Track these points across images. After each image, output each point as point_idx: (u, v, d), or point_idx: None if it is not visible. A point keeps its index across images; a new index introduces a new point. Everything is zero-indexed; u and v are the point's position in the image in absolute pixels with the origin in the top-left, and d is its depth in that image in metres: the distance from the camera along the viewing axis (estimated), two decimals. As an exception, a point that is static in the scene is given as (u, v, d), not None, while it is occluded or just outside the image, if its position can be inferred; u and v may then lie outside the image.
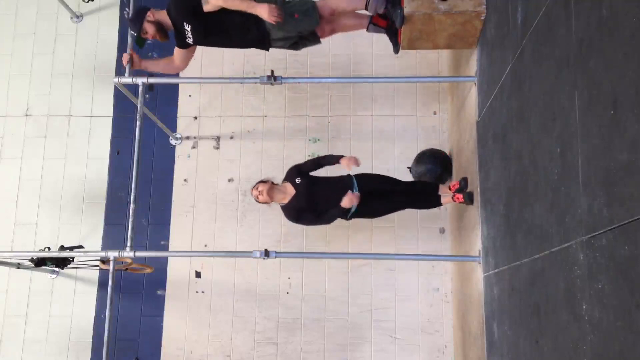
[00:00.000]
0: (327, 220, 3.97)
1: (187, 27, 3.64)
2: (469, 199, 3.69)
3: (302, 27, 3.64)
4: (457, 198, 3.83)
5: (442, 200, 4.02)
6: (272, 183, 3.93)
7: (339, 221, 4.76)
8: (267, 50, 3.86)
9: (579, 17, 1.89)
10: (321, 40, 3.84)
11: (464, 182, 3.84)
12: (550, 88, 2.15)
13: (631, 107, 1.52)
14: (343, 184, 3.91)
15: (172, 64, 3.95)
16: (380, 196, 3.97)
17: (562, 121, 2.02)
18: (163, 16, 3.69)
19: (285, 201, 3.92)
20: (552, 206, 2.11)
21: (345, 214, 3.92)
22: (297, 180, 3.90)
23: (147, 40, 3.84)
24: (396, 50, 3.87)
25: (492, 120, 3.10)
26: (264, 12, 3.50)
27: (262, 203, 3.97)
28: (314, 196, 3.88)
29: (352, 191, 3.82)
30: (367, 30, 3.82)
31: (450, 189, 3.98)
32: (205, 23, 3.62)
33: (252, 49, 3.93)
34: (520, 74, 2.56)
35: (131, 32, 3.90)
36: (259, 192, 3.88)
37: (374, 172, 4.27)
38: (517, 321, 2.56)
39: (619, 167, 1.58)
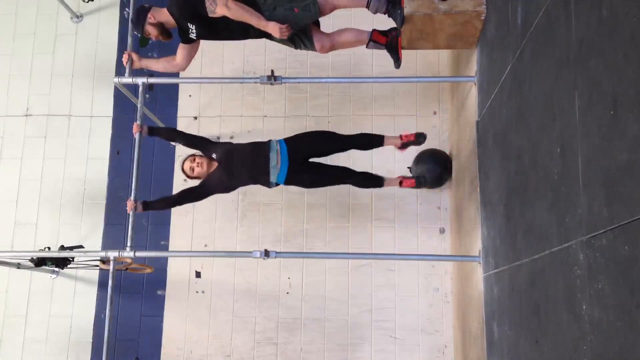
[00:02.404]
0: (240, 181, 3.89)
1: (191, 26, 3.65)
2: (424, 183, 3.68)
3: (301, 22, 3.64)
4: (406, 184, 3.82)
5: (385, 183, 4.00)
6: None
7: (338, 221, 4.79)
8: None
9: (579, 17, 1.89)
10: (320, 53, 3.85)
11: (422, 138, 3.75)
12: (550, 88, 2.15)
13: (631, 107, 1.52)
14: (260, 147, 3.82)
15: (173, 62, 3.95)
16: (315, 163, 3.91)
17: (562, 121, 2.02)
18: (164, 16, 3.69)
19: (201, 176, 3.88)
20: (552, 206, 2.11)
21: (267, 182, 3.83)
22: (214, 156, 3.86)
23: (150, 40, 3.84)
24: (397, 66, 3.86)
25: (492, 120, 3.10)
26: (275, 32, 3.52)
27: (194, 178, 3.91)
28: (230, 165, 3.80)
29: (269, 159, 3.73)
30: (366, 47, 3.83)
31: (401, 138, 3.90)
32: (209, 24, 3.63)
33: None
34: (520, 74, 2.56)
35: (133, 32, 3.90)
36: (198, 163, 3.82)
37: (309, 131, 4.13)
38: (517, 321, 2.56)
39: (619, 167, 1.58)
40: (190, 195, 3.95)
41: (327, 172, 3.99)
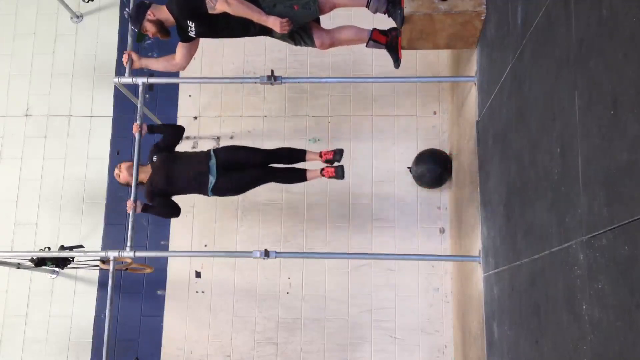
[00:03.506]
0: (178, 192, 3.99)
1: (191, 24, 3.64)
2: (341, 173, 3.83)
3: (301, 20, 3.64)
4: (327, 172, 3.90)
5: (308, 175, 4.03)
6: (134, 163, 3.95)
7: (338, 221, 4.79)
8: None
9: (579, 17, 1.89)
10: (320, 50, 3.85)
11: (340, 155, 3.90)
12: (550, 88, 2.15)
13: (631, 107, 1.52)
14: (199, 159, 3.93)
15: (173, 62, 3.94)
16: (240, 169, 3.97)
17: (562, 121, 2.02)
18: (164, 14, 3.68)
19: (144, 181, 3.94)
20: (552, 206, 2.11)
21: (205, 190, 3.91)
22: (154, 159, 3.93)
23: (147, 36, 3.84)
24: (397, 66, 3.86)
25: (492, 120, 3.10)
26: (276, 26, 3.51)
27: (123, 184, 4.01)
28: (169, 173, 3.88)
29: (209, 171, 3.85)
30: (366, 45, 3.83)
31: (321, 156, 3.98)
32: (209, 21, 3.62)
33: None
34: (520, 74, 2.56)
35: (133, 31, 3.90)
36: (120, 170, 3.94)
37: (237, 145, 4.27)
38: (517, 321, 2.56)
39: (619, 167, 1.58)
40: (159, 205, 3.99)
41: (250, 174, 4.00)
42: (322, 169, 3.96)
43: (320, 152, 4.03)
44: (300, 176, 4.07)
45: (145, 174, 3.93)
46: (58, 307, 4.85)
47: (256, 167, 4.02)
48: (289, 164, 4.14)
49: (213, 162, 3.90)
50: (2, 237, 4.98)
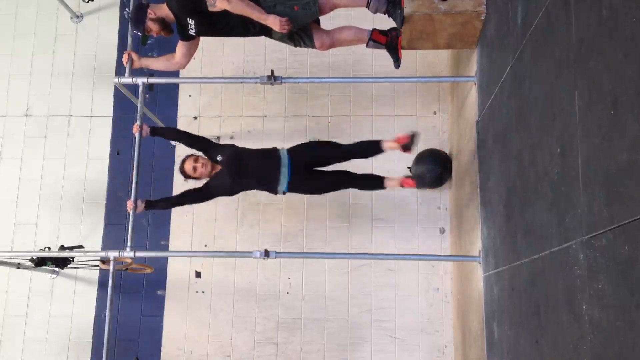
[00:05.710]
0: (242, 187, 3.96)
1: (191, 22, 3.63)
2: (423, 184, 3.99)
3: (301, 20, 3.64)
4: (407, 184, 4.00)
5: (386, 183, 4.08)
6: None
7: (338, 221, 4.79)
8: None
9: (579, 17, 1.89)
10: (320, 50, 3.85)
11: (415, 138, 3.87)
12: (550, 88, 2.15)
13: (631, 107, 1.52)
14: (270, 155, 3.87)
15: (173, 61, 3.94)
16: (317, 171, 3.96)
17: (562, 121, 2.02)
18: (164, 11, 3.68)
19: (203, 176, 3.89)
20: (552, 206, 2.11)
21: (274, 188, 3.88)
22: (218, 158, 3.87)
23: (150, 37, 3.84)
24: (397, 66, 3.86)
25: (492, 120, 3.10)
26: (275, 25, 3.51)
27: (194, 178, 3.89)
28: (238, 170, 3.83)
29: (280, 167, 3.79)
30: (366, 46, 3.83)
31: (397, 142, 3.98)
32: (209, 19, 3.62)
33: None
34: (520, 74, 2.56)
35: (133, 32, 3.90)
36: (202, 164, 3.82)
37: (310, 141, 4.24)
38: (517, 321, 2.56)
39: (619, 167, 1.58)
40: (192, 197, 3.94)
41: (327, 179, 4.03)
42: (401, 180, 4.07)
43: (396, 139, 3.97)
44: (378, 184, 4.11)
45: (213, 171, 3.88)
46: (58, 307, 4.85)
47: (336, 172, 4.03)
48: (367, 157, 4.15)
49: (287, 161, 3.84)
50: (2, 237, 4.98)
